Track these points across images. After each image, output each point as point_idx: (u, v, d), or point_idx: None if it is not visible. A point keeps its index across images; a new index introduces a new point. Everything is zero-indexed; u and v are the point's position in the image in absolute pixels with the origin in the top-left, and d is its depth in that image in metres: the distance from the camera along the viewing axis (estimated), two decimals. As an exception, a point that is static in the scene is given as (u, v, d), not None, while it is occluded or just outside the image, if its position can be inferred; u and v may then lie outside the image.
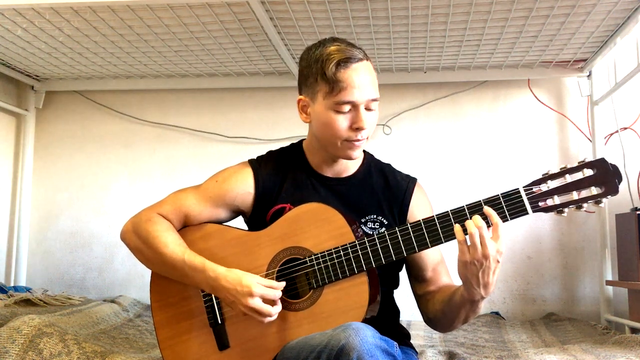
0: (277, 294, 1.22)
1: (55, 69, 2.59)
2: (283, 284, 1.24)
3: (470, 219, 1.15)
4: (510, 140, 2.61)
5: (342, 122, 1.28)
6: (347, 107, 1.27)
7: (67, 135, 2.88)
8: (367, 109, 1.29)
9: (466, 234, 1.14)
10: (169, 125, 2.81)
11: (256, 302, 1.20)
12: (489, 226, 1.14)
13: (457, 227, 1.16)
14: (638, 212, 2.02)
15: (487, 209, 1.15)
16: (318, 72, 1.28)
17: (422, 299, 1.39)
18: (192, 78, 2.70)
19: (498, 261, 1.14)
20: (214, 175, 1.42)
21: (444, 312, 1.31)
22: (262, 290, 1.21)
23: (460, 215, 1.18)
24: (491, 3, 1.86)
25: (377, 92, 1.31)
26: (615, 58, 2.36)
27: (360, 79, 1.27)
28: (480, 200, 1.18)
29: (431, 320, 1.38)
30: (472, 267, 1.14)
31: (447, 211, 1.19)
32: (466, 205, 1.19)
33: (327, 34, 2.07)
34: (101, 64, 2.51)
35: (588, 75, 2.48)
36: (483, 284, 1.16)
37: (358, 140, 1.29)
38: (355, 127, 1.28)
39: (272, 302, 1.22)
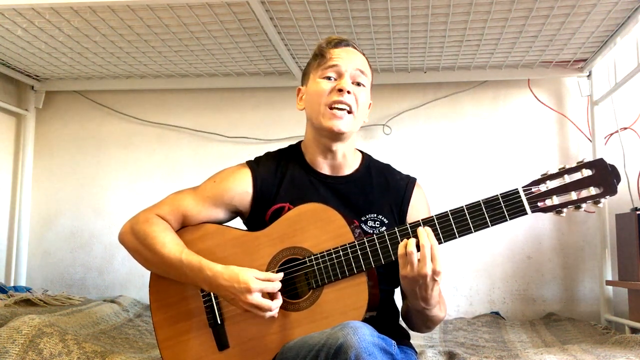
0: (275, 285, 1.22)
1: (55, 69, 2.59)
2: (281, 275, 1.24)
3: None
4: (510, 140, 2.61)
5: (326, 85, 1.33)
6: (332, 73, 1.33)
7: (67, 135, 2.88)
8: (355, 82, 1.34)
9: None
10: (169, 125, 2.81)
11: (255, 298, 1.19)
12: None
13: (402, 243, 1.17)
14: (638, 212, 2.02)
15: (427, 229, 1.16)
16: (312, 57, 1.40)
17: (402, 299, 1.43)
18: (192, 78, 2.70)
19: (435, 280, 1.15)
20: (212, 176, 1.42)
21: (406, 315, 1.38)
22: (260, 285, 1.20)
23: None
24: (491, 3, 1.86)
25: (368, 71, 1.37)
26: (615, 58, 2.36)
27: (348, 55, 1.36)
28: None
29: (403, 319, 1.43)
30: (410, 282, 1.17)
31: (447, 211, 1.19)
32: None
33: (327, 34, 2.07)
34: (101, 64, 2.51)
35: (588, 75, 2.48)
36: (421, 298, 1.19)
37: (340, 103, 1.31)
38: (338, 89, 1.31)
39: (271, 296, 1.22)
